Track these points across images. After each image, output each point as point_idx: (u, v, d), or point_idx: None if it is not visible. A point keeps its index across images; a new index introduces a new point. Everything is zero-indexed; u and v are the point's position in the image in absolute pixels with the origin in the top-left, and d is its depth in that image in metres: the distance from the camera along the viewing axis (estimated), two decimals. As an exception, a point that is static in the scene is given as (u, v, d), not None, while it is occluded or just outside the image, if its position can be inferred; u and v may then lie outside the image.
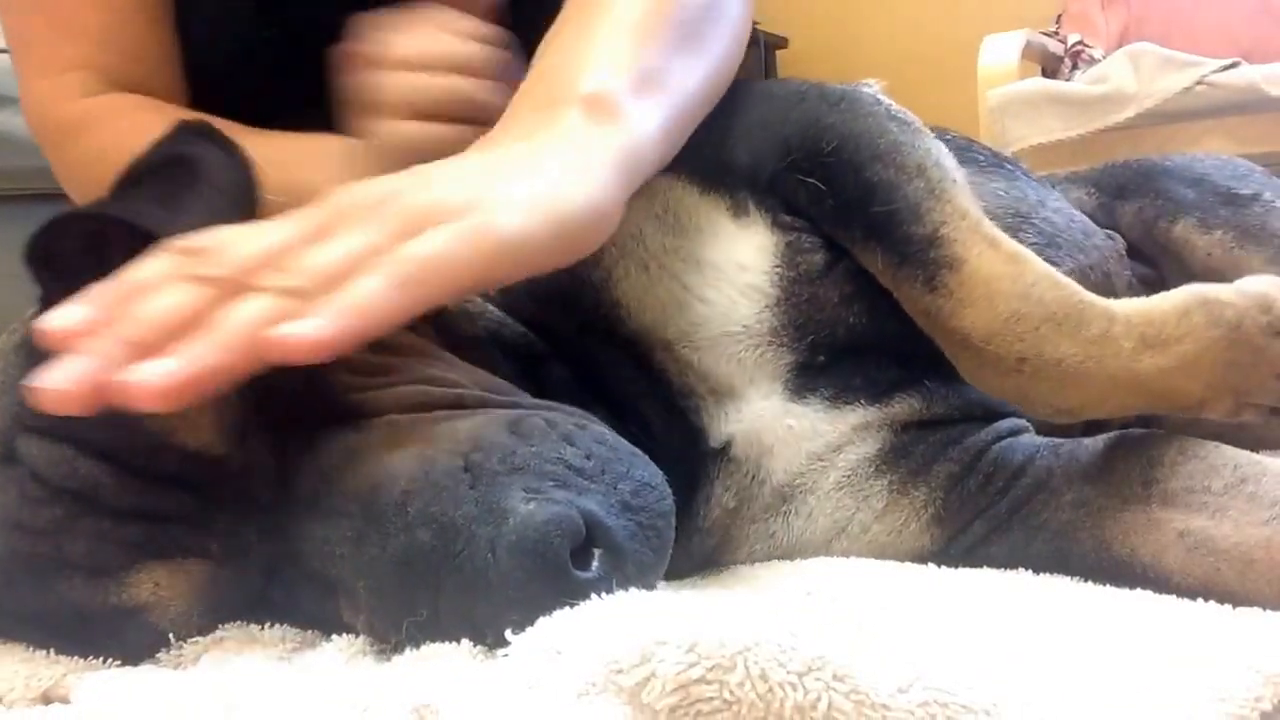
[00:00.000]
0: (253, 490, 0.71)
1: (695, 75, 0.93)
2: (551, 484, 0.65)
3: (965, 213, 0.89)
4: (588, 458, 0.68)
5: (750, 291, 0.92)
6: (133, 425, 0.68)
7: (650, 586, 0.66)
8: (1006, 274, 0.86)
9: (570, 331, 0.92)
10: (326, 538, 0.68)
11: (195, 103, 1.26)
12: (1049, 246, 1.11)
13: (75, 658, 0.74)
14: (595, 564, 0.63)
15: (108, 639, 0.71)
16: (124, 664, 0.72)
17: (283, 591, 0.71)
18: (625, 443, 0.72)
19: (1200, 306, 0.85)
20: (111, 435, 0.69)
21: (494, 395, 0.79)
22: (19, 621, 0.73)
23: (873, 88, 1.03)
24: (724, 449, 0.92)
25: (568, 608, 0.60)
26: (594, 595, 0.61)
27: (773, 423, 0.93)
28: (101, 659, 0.73)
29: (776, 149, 0.94)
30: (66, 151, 1.21)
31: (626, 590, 0.62)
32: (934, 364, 0.90)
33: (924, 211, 0.89)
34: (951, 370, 0.90)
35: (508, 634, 0.58)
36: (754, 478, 0.93)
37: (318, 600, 0.70)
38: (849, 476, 0.95)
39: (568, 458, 0.67)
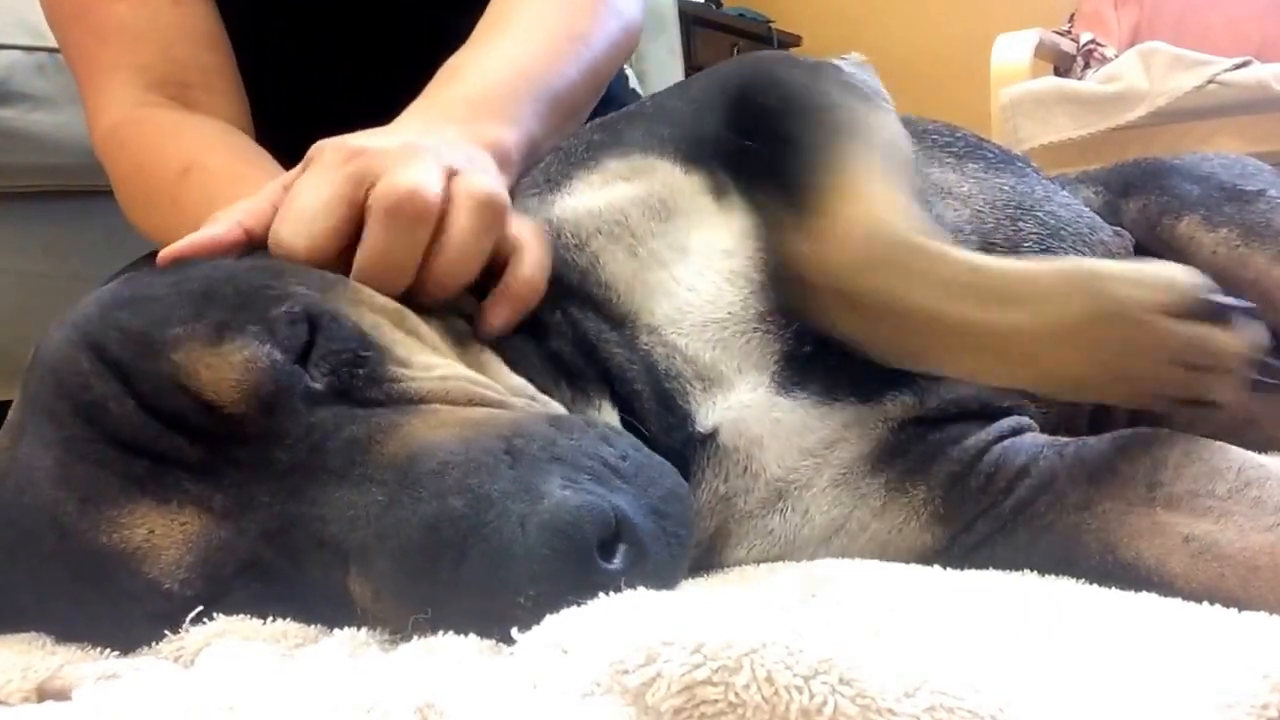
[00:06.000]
0: (270, 453, 0.72)
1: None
2: (588, 477, 0.67)
3: (857, 159, 0.89)
4: (623, 459, 0.70)
5: (735, 277, 0.93)
6: (155, 353, 0.72)
7: (670, 587, 0.66)
8: (871, 215, 0.86)
9: (566, 306, 0.93)
10: (353, 502, 0.69)
11: (247, 79, 1.32)
12: (1050, 236, 1.11)
13: (72, 646, 0.74)
14: (619, 558, 0.64)
15: (97, 586, 0.72)
16: (121, 654, 0.72)
17: (285, 558, 0.71)
18: (656, 455, 0.73)
19: (1083, 275, 0.83)
20: (135, 356, 0.72)
21: (534, 399, 0.83)
22: (15, 556, 0.74)
23: (850, 60, 1.03)
24: (712, 436, 0.92)
25: (584, 595, 0.60)
26: (612, 588, 0.61)
27: (760, 414, 0.93)
28: (100, 646, 0.74)
29: (730, 113, 0.96)
30: (111, 171, 1.26)
31: (646, 587, 0.63)
32: None
33: (819, 161, 0.89)
34: None
35: (514, 632, 0.59)
36: (746, 469, 0.93)
37: (323, 569, 0.70)
38: (844, 474, 0.95)
39: (605, 455, 0.69)
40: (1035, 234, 1.09)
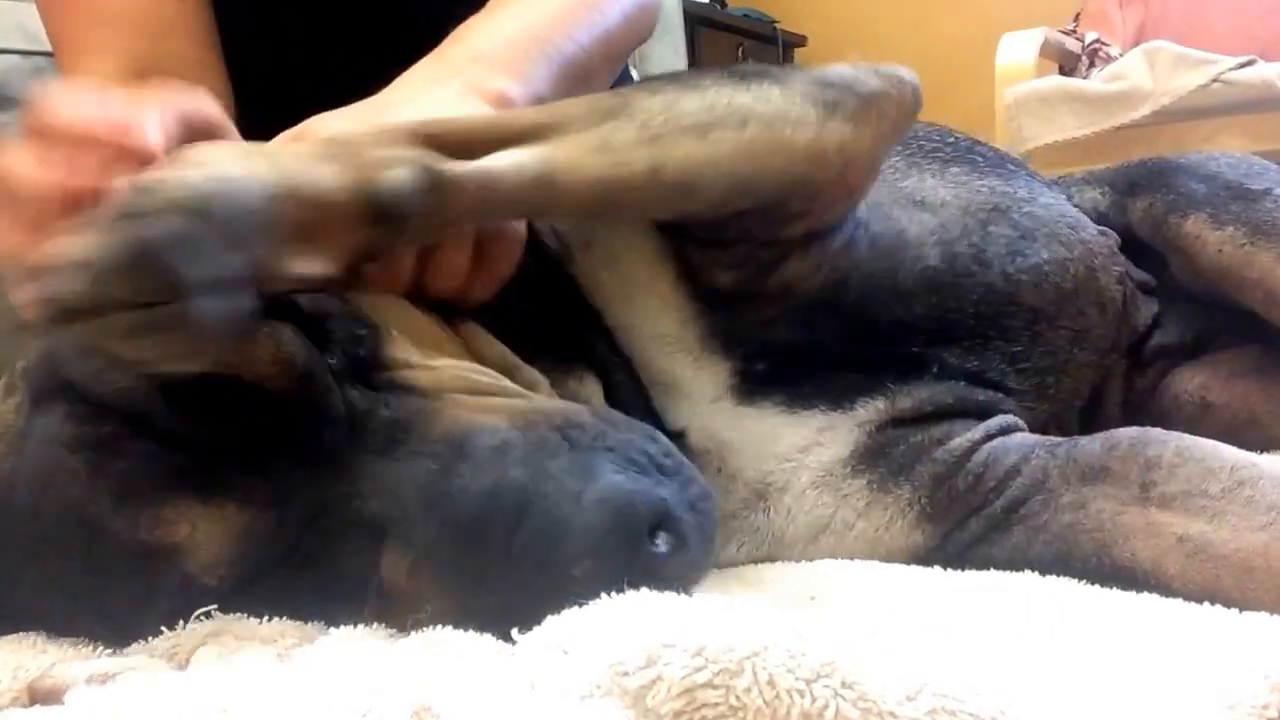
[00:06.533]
0: (314, 430, 0.72)
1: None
2: (635, 469, 0.68)
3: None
4: (666, 455, 0.72)
5: (668, 303, 0.92)
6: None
7: (695, 583, 0.68)
8: None
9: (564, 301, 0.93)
10: (400, 477, 0.69)
11: (233, 71, 1.31)
12: (1022, 238, 1.09)
13: (63, 644, 0.73)
14: (662, 544, 0.65)
15: (126, 584, 0.71)
16: (114, 653, 0.71)
17: (319, 541, 0.71)
18: (687, 458, 0.74)
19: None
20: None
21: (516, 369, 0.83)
22: (30, 559, 0.73)
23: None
24: (682, 436, 0.92)
25: (632, 575, 0.62)
26: (655, 571, 0.63)
27: (728, 421, 0.93)
28: (94, 642, 0.73)
29: None
30: None
31: (682, 578, 0.65)
32: (894, 365, 0.90)
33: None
34: (914, 368, 0.89)
35: (514, 633, 0.59)
36: (720, 471, 0.93)
37: (358, 549, 0.70)
38: (824, 476, 0.95)
39: (650, 451, 0.71)
40: (1005, 237, 1.08)
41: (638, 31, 1.29)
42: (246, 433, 0.71)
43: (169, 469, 0.70)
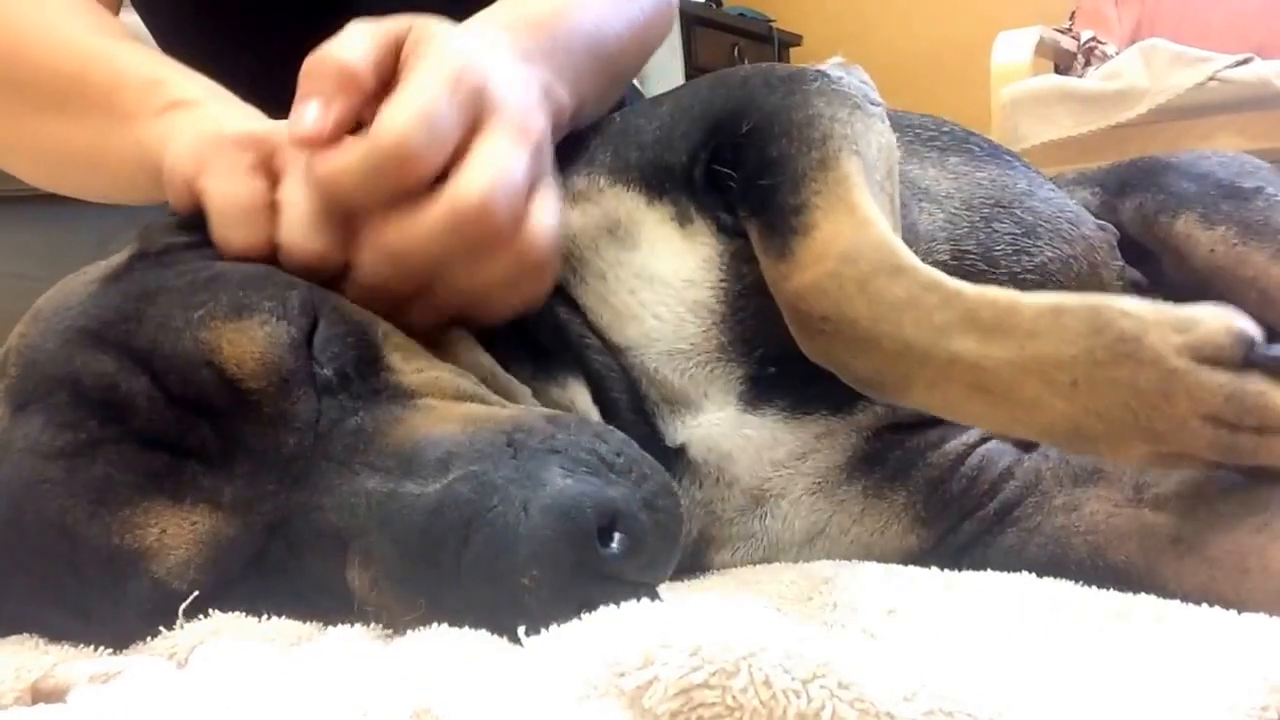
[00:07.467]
0: (280, 437, 0.72)
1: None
2: (585, 470, 0.67)
3: (845, 180, 0.86)
4: (617, 455, 0.70)
5: (698, 308, 0.93)
6: (179, 332, 0.72)
7: (658, 582, 0.68)
8: (848, 236, 0.83)
9: (554, 305, 0.93)
10: (355, 490, 0.70)
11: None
12: (1026, 235, 1.09)
13: (64, 644, 0.73)
14: (616, 546, 0.64)
15: (102, 589, 0.71)
16: (114, 652, 0.71)
17: (285, 548, 0.71)
18: (645, 453, 0.73)
19: (1084, 309, 0.76)
20: (157, 340, 0.72)
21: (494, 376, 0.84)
22: (17, 570, 0.73)
23: (834, 63, 1.01)
24: (681, 450, 0.92)
25: (585, 579, 0.62)
26: (610, 573, 0.63)
27: (729, 431, 0.93)
28: (93, 644, 0.73)
29: (705, 140, 0.94)
30: None
31: (642, 577, 0.65)
32: None
33: (805, 182, 0.87)
34: None
35: (519, 632, 0.59)
36: (719, 480, 0.93)
37: (322, 558, 0.70)
38: (820, 482, 0.95)
39: (600, 451, 0.70)
40: (1010, 234, 1.08)
41: (660, 29, 1.25)
42: (217, 429, 0.72)
43: (144, 472, 0.71)
